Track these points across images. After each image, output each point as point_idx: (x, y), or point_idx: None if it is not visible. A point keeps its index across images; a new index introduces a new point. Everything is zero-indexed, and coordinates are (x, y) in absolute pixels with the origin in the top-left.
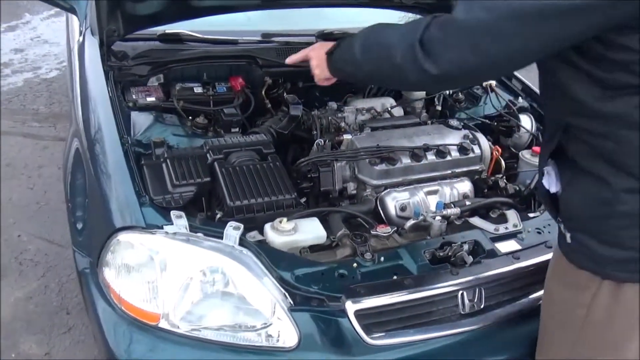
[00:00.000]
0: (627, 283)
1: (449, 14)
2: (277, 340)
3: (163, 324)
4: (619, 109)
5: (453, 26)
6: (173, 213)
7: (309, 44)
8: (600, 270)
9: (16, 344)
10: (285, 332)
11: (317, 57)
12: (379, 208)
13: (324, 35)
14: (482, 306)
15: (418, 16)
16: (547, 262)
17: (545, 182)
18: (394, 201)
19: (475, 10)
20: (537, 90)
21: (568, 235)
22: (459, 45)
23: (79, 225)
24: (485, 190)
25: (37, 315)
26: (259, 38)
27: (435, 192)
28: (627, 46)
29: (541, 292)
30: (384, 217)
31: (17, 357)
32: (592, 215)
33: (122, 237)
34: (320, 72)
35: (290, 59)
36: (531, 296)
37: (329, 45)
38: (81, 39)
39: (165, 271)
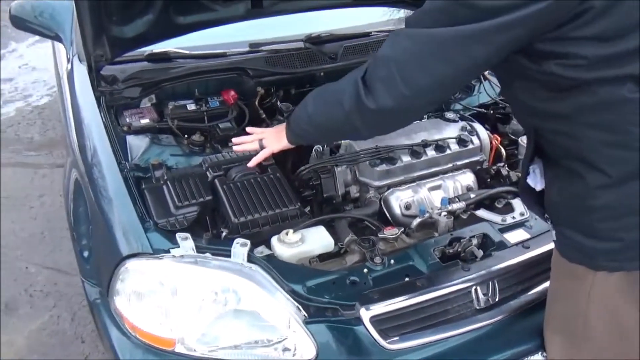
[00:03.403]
0: (619, 272)
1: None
2: (295, 354)
3: (179, 349)
4: (568, 108)
5: (383, 60)
6: (179, 235)
7: (297, 49)
8: (590, 262)
9: None
10: (301, 344)
11: (269, 132)
12: (384, 209)
13: (312, 39)
14: (496, 299)
15: (406, 11)
16: None
17: (530, 180)
18: (397, 200)
19: (399, 41)
20: None
21: (554, 232)
22: (391, 77)
23: (86, 254)
24: (489, 180)
25: (52, 346)
26: (247, 48)
27: (438, 187)
28: (552, 51)
29: None
30: (389, 218)
31: None
32: (572, 210)
33: (130, 264)
34: (271, 143)
35: (252, 163)
36: (544, 284)
37: (278, 129)
38: (69, 66)
39: (176, 295)
